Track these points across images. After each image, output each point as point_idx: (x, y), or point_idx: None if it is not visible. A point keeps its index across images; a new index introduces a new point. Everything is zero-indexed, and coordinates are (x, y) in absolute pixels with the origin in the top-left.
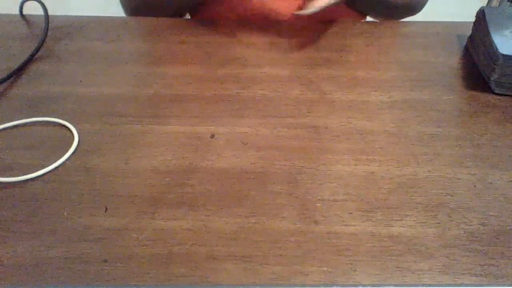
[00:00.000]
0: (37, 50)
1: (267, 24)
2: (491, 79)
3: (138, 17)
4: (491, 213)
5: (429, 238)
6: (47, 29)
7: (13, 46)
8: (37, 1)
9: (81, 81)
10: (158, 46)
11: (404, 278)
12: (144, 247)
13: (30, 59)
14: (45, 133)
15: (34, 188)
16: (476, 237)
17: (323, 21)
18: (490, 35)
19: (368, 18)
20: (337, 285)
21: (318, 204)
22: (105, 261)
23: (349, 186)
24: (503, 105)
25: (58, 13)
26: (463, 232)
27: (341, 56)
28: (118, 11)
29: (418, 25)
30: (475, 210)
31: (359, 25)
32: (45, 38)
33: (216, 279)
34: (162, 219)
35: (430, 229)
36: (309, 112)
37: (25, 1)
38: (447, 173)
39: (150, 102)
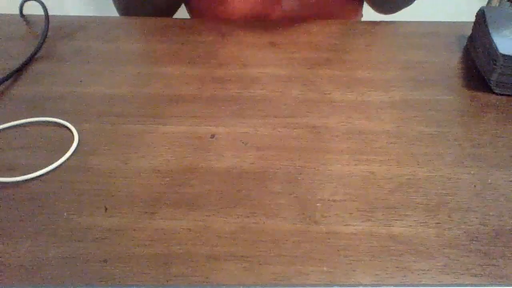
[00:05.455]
0: (37, 50)
1: (265, 23)
2: (491, 79)
3: (138, 17)
4: (491, 213)
5: (429, 238)
6: (47, 29)
7: (13, 46)
8: (37, 1)
9: (81, 81)
10: (158, 46)
11: (404, 278)
12: (144, 247)
13: (30, 59)
14: (45, 133)
15: (34, 188)
16: (476, 237)
17: (319, 15)
18: (490, 35)
19: (365, 17)
20: (337, 285)
21: (318, 204)
22: (105, 261)
23: (349, 186)
24: (503, 105)
25: (57, 13)
26: (463, 232)
27: (341, 56)
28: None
29: (418, 25)
30: (475, 210)
31: (359, 25)
32: (45, 38)
33: (216, 279)
34: (162, 219)
35: (430, 229)
36: (309, 112)
37: (25, 1)
38: (447, 173)
39: (150, 102)
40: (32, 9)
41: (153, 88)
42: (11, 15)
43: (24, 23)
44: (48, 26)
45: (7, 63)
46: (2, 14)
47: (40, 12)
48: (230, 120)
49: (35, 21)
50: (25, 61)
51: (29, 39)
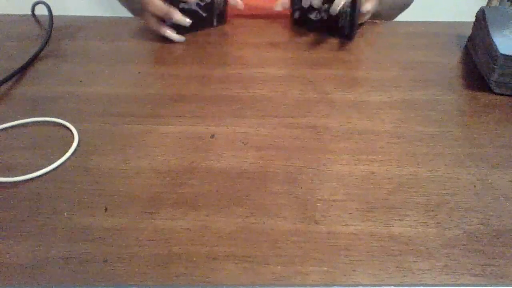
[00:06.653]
0: (41, 50)
1: (265, 23)
2: (491, 79)
3: (139, 17)
4: (491, 213)
5: (429, 238)
6: (51, 30)
7: (14, 46)
8: (43, 3)
9: (81, 81)
10: (158, 46)
11: (404, 278)
12: (144, 247)
13: (34, 59)
14: (45, 133)
15: (34, 188)
16: (476, 237)
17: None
18: (490, 35)
19: None
20: (337, 285)
21: (318, 204)
22: (105, 261)
23: (349, 186)
24: (503, 105)
25: (59, 13)
26: (463, 232)
27: (341, 56)
28: (120, 11)
29: (418, 25)
30: (475, 210)
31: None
32: (48, 38)
33: (216, 279)
34: (162, 219)
35: (430, 229)
36: (309, 112)
37: (36, 4)
38: (447, 173)
39: (150, 102)
40: (36, 9)
41: (153, 88)
42: (12, 15)
43: (25, 23)
44: (51, 28)
45: (8, 63)
46: (3, 14)
47: (40, 12)
48: (230, 120)
49: (36, 21)
50: (28, 61)
51: (30, 39)
